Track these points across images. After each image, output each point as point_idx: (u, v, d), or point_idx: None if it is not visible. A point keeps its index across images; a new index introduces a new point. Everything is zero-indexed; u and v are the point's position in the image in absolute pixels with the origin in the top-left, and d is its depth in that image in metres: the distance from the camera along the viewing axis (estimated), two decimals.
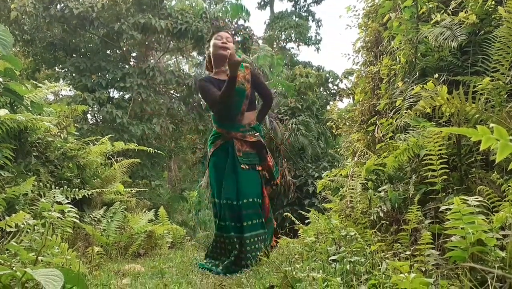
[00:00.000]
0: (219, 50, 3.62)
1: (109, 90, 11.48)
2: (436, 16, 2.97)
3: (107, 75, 11.32)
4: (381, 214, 2.61)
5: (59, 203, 3.13)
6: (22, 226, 2.38)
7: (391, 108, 3.36)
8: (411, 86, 2.99)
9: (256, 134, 3.62)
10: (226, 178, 3.53)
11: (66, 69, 11.93)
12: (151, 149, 5.95)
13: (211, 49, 3.73)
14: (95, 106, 10.67)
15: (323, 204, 3.88)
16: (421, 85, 2.69)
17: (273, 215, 4.27)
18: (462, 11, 2.87)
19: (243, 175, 3.52)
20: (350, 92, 5.29)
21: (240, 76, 3.54)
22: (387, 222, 2.61)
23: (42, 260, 1.94)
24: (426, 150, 2.34)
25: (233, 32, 12.15)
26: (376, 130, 3.61)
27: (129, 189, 5.19)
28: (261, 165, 3.63)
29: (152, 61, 13.19)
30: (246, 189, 3.50)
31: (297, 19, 23.68)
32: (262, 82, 3.79)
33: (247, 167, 3.54)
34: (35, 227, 2.42)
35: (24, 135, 3.83)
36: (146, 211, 5.67)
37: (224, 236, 3.49)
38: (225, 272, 3.26)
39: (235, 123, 3.60)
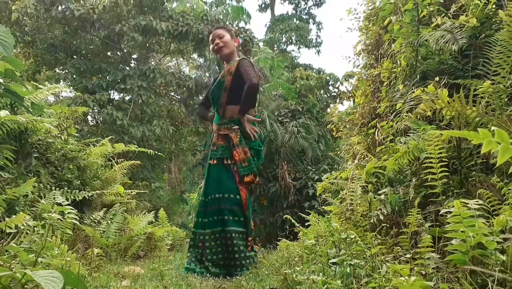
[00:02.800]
0: (215, 54, 3.71)
1: (109, 92, 11.48)
2: (436, 19, 2.97)
3: (107, 77, 11.33)
4: (381, 217, 2.61)
5: (59, 204, 3.13)
6: (22, 227, 2.38)
7: (391, 111, 3.36)
8: (412, 89, 3.00)
9: (233, 127, 3.51)
10: (208, 175, 3.57)
11: (66, 71, 11.94)
12: (151, 151, 5.95)
13: (211, 52, 3.83)
14: (95, 108, 10.67)
15: (323, 207, 3.88)
16: (422, 88, 2.69)
17: (273, 218, 4.25)
18: (462, 14, 2.88)
19: (211, 170, 3.53)
20: (350, 95, 5.29)
21: (225, 69, 3.59)
22: (387, 225, 2.60)
23: (41, 262, 1.93)
24: (427, 153, 2.34)
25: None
26: (376, 133, 3.61)
27: (129, 191, 5.19)
28: (230, 158, 3.50)
29: (152, 63, 13.21)
30: (211, 185, 3.49)
31: (297, 21, 23.71)
32: (245, 70, 3.40)
33: (215, 162, 3.52)
34: (35, 228, 2.42)
35: (25, 136, 3.83)
36: (146, 213, 5.66)
37: (195, 233, 3.52)
38: (204, 272, 3.28)
39: (218, 115, 3.65)
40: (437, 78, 2.80)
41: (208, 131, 11.70)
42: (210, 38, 3.73)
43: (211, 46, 3.70)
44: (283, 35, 23.24)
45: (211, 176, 3.52)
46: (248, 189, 3.51)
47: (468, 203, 1.68)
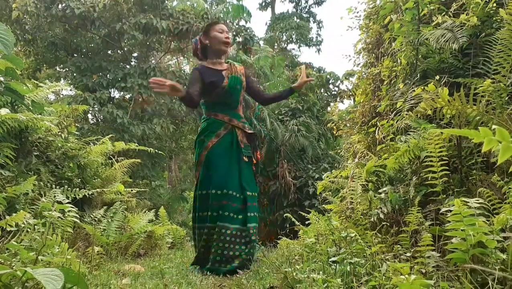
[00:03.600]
0: (222, 46, 3.57)
1: (110, 90, 11.47)
2: (437, 18, 2.97)
3: (108, 75, 11.32)
4: (382, 216, 2.61)
5: (60, 202, 3.13)
6: (23, 225, 2.39)
7: (392, 109, 3.36)
8: (412, 88, 3.00)
9: (249, 127, 3.62)
10: (231, 168, 3.44)
11: (67, 69, 11.93)
12: (151, 149, 5.95)
13: (211, 40, 3.59)
14: (95, 106, 10.66)
15: (323, 205, 3.88)
16: (422, 87, 2.69)
17: (274, 216, 4.26)
18: (463, 13, 2.87)
19: (245, 167, 3.50)
20: (351, 93, 5.29)
21: (239, 68, 3.61)
22: (388, 224, 2.61)
23: (42, 260, 1.94)
24: (427, 152, 2.34)
25: (234, 34, 12.14)
26: (376, 132, 3.61)
27: (130, 189, 5.19)
28: (254, 157, 3.57)
29: (153, 61, 13.20)
30: (249, 182, 3.48)
31: (298, 20, 23.70)
32: (254, 80, 3.64)
33: (247, 159, 3.49)
34: (36, 226, 2.42)
35: (25, 134, 3.83)
36: (146, 211, 5.67)
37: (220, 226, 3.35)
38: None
39: (236, 112, 3.59)
40: (437, 77, 2.80)
41: None
42: (220, 27, 3.60)
43: (219, 36, 3.55)
44: (284, 34, 23.23)
45: (246, 174, 3.49)
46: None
47: (468, 202, 1.68)
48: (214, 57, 3.62)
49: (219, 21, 3.93)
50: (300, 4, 25.14)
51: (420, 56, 3.18)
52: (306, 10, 25.17)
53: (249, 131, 3.58)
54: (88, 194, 4.04)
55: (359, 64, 4.51)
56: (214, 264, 3.27)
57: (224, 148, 3.48)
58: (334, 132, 5.28)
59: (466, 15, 2.82)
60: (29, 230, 2.39)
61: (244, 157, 3.48)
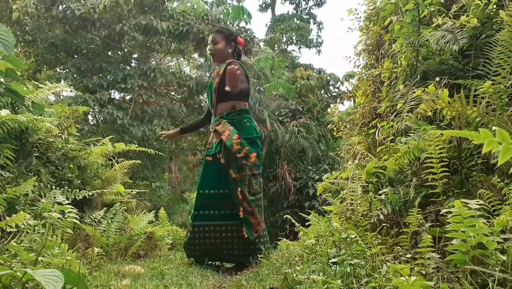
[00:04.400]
0: (210, 58, 3.92)
1: (110, 91, 11.48)
2: (437, 19, 2.97)
3: (108, 76, 11.33)
4: (382, 217, 2.61)
5: (60, 203, 3.13)
6: (23, 226, 2.38)
7: (392, 111, 3.36)
8: (412, 89, 3.00)
9: (221, 122, 3.66)
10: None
11: (67, 70, 11.93)
12: (151, 150, 5.94)
13: None
14: (96, 107, 10.67)
15: (323, 207, 3.87)
16: (422, 88, 2.69)
17: (274, 217, 4.26)
18: (463, 14, 2.87)
19: (207, 167, 3.69)
20: (351, 94, 5.29)
21: (215, 72, 3.78)
22: (388, 225, 2.60)
23: (42, 261, 1.94)
24: (427, 153, 2.34)
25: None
26: (376, 133, 3.61)
27: (130, 190, 5.18)
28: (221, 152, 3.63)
29: (153, 62, 13.21)
30: (205, 180, 3.67)
31: (298, 21, 23.71)
32: (233, 74, 3.39)
33: (210, 158, 3.65)
34: (36, 227, 2.42)
35: (25, 135, 3.83)
36: (147, 212, 5.65)
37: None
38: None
39: (213, 116, 3.78)
40: (437, 78, 2.80)
41: (209, 131, 11.69)
42: (209, 39, 3.88)
43: (207, 49, 3.88)
44: (284, 35, 23.23)
45: (204, 172, 3.71)
46: (243, 177, 3.56)
47: (468, 203, 1.68)
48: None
49: (213, 31, 3.98)
50: (300, 5, 25.14)
51: (420, 57, 3.18)
52: (306, 11, 25.18)
53: (213, 129, 3.70)
54: (88, 195, 4.04)
55: (359, 65, 4.51)
56: None
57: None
58: (334, 134, 5.27)
59: (466, 16, 2.82)
60: (29, 231, 2.39)
61: (207, 157, 3.69)
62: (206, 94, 3.88)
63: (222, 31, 3.89)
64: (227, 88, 3.37)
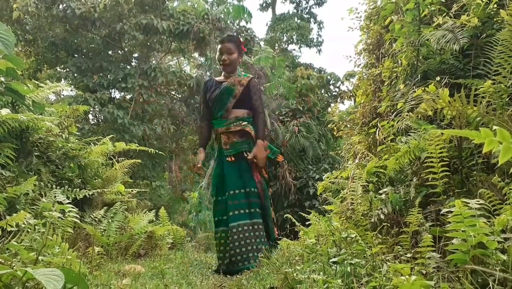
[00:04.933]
0: (221, 66, 3.91)
1: (110, 91, 11.47)
2: (438, 19, 2.97)
3: (108, 76, 11.32)
4: (382, 217, 2.61)
5: (60, 203, 3.13)
6: (23, 225, 2.38)
7: (392, 110, 3.35)
8: (413, 88, 2.99)
9: (242, 123, 3.73)
10: (216, 175, 3.80)
11: (67, 69, 11.93)
12: (152, 149, 5.95)
13: (216, 56, 3.98)
14: (96, 106, 10.66)
15: (323, 206, 3.88)
16: (423, 88, 2.68)
17: (274, 217, 4.23)
18: (464, 14, 2.87)
19: (227, 167, 3.69)
20: (351, 94, 5.29)
21: (236, 79, 3.81)
22: (388, 225, 2.60)
23: (42, 260, 1.94)
24: (427, 153, 2.34)
25: (235, 34, 12.14)
26: (377, 133, 3.60)
27: (130, 190, 5.18)
28: (250, 151, 3.67)
29: (153, 61, 13.19)
30: (230, 181, 3.66)
31: (298, 21, 23.69)
32: (259, 96, 3.85)
33: (233, 158, 3.67)
34: (36, 226, 2.42)
35: (26, 134, 3.83)
36: (147, 211, 5.67)
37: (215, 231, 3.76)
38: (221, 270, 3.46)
39: (221, 120, 3.79)
40: (438, 78, 2.80)
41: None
42: (220, 47, 3.89)
43: (218, 57, 3.88)
44: (284, 34, 23.22)
45: (227, 173, 3.69)
46: (265, 178, 3.79)
47: (469, 203, 1.68)
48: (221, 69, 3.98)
49: (226, 39, 4.02)
50: (300, 4, 25.13)
51: (420, 57, 3.17)
52: (307, 10, 25.16)
53: (235, 129, 3.73)
54: (89, 194, 4.04)
55: (359, 65, 4.50)
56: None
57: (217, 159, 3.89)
58: (335, 133, 5.27)
59: (467, 16, 2.82)
60: (29, 230, 2.39)
61: (228, 158, 3.69)
62: (217, 95, 3.81)
63: (234, 40, 3.97)
64: (255, 102, 3.74)
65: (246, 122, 3.74)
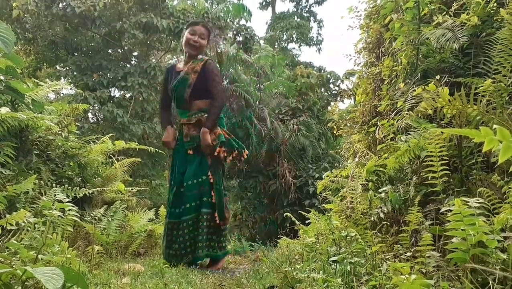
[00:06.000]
0: (188, 47, 3.76)
1: (110, 89, 11.49)
2: (437, 17, 2.97)
3: (108, 74, 11.32)
4: (382, 215, 2.61)
5: (60, 201, 3.13)
6: (23, 224, 2.38)
7: (392, 109, 3.36)
8: (413, 87, 2.99)
9: (203, 116, 3.64)
10: (177, 164, 3.70)
11: (67, 68, 11.93)
12: (151, 148, 5.95)
13: (182, 39, 3.82)
14: (96, 105, 10.67)
15: (323, 205, 3.88)
16: (423, 87, 2.68)
17: (274, 215, 4.23)
18: (463, 12, 2.87)
19: (189, 159, 3.65)
20: (351, 93, 5.29)
21: (190, 67, 3.71)
22: (388, 223, 2.61)
23: (42, 259, 1.93)
24: (427, 152, 2.34)
25: (234, 33, 12.13)
26: (377, 131, 3.61)
27: (130, 188, 5.19)
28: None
29: (153, 60, 13.20)
30: (188, 173, 3.62)
31: (298, 19, 23.69)
32: (213, 79, 3.65)
33: (192, 152, 3.63)
34: (36, 225, 2.42)
35: (25, 133, 3.83)
36: (147, 210, 5.66)
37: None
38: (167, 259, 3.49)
39: (183, 110, 3.73)
40: (438, 77, 2.80)
41: None
42: (193, 28, 3.77)
43: (188, 37, 3.74)
44: (284, 33, 23.22)
45: (189, 164, 3.64)
46: (218, 169, 3.67)
47: (468, 202, 1.68)
48: (185, 56, 3.85)
49: (201, 23, 3.95)
50: (300, 3, 25.13)
51: (420, 55, 3.17)
52: (307, 9, 25.17)
53: (194, 122, 3.66)
54: (89, 193, 4.04)
55: (359, 63, 4.51)
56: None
57: (177, 147, 3.78)
58: (335, 132, 5.27)
59: (467, 14, 2.81)
60: (29, 229, 2.39)
61: (189, 151, 3.64)
62: (173, 86, 3.74)
63: (209, 29, 3.89)
64: (213, 88, 3.61)
65: (204, 114, 3.65)
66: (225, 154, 3.61)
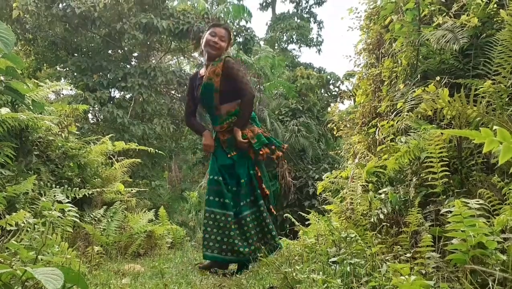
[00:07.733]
0: (208, 48, 3.62)
1: (110, 90, 11.48)
2: (438, 18, 2.97)
3: (108, 75, 11.33)
4: (382, 216, 2.61)
5: (60, 202, 3.13)
6: (23, 224, 2.38)
7: (392, 110, 3.36)
8: (413, 88, 2.99)
9: (234, 119, 3.60)
10: (220, 167, 3.64)
11: (67, 68, 11.93)
12: (151, 149, 5.95)
13: (203, 40, 3.70)
14: (96, 106, 10.67)
15: (323, 206, 3.88)
16: (423, 88, 2.69)
17: (273, 216, 4.20)
18: (464, 14, 2.87)
19: (232, 161, 3.63)
20: (351, 94, 5.29)
21: (210, 71, 3.57)
22: (388, 224, 2.60)
23: (42, 259, 1.94)
24: (427, 153, 2.34)
25: (234, 34, 12.13)
26: (377, 132, 3.61)
27: (130, 189, 5.18)
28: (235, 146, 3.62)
29: (153, 61, 13.20)
30: (237, 172, 3.62)
31: (298, 20, 23.72)
32: (237, 75, 3.56)
33: (234, 153, 3.60)
34: (36, 226, 2.42)
35: (25, 134, 3.83)
36: (146, 211, 5.66)
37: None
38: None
39: (215, 116, 3.67)
40: (438, 78, 2.80)
41: (209, 129, 11.70)
42: (214, 30, 3.68)
43: (209, 38, 3.63)
44: (284, 34, 23.24)
45: (235, 165, 3.63)
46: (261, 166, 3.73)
47: (468, 203, 1.68)
48: (205, 60, 3.71)
49: (222, 25, 3.89)
50: (300, 4, 25.13)
51: (420, 56, 3.17)
52: (307, 10, 25.17)
53: (226, 126, 3.61)
54: (88, 193, 4.04)
55: (359, 64, 4.51)
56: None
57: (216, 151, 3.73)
58: (334, 133, 5.26)
59: (467, 16, 2.82)
60: (29, 229, 2.39)
61: (229, 155, 3.61)
62: (199, 93, 3.67)
63: (229, 31, 3.82)
64: (239, 84, 3.53)
65: (235, 116, 3.60)
66: (269, 153, 3.67)
